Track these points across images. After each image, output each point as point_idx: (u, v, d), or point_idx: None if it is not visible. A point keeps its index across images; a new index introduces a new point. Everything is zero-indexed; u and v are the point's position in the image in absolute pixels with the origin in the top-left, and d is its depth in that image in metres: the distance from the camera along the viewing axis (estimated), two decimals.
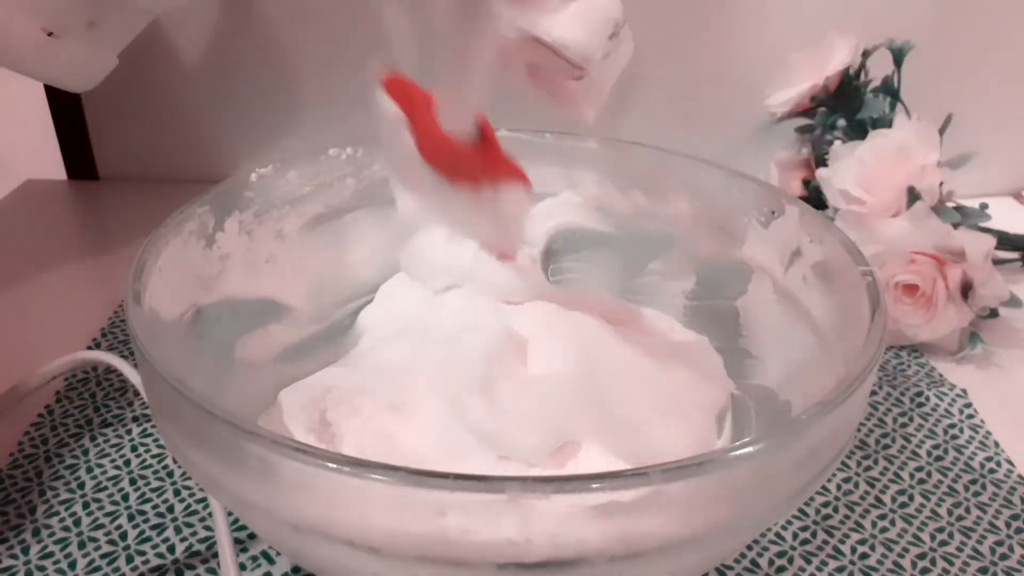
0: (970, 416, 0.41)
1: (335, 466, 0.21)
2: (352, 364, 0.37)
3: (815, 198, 0.49)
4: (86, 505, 0.34)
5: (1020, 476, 0.37)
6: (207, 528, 0.33)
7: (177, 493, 0.34)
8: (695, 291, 0.41)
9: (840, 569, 0.32)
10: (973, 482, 0.37)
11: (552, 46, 0.30)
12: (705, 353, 0.38)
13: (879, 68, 0.49)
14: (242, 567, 0.31)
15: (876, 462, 0.38)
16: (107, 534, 0.32)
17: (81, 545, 0.32)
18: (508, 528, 0.21)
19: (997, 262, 0.47)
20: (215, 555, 0.32)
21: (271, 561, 0.31)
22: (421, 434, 0.31)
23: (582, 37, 0.29)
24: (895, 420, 0.40)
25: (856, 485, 0.36)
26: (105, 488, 0.35)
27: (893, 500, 0.36)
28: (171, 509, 0.34)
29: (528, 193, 0.33)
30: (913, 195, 0.44)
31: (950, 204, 0.47)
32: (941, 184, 0.46)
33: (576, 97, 0.33)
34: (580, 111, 0.33)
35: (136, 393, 0.40)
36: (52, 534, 0.32)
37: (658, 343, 0.38)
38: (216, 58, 0.59)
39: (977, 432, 0.40)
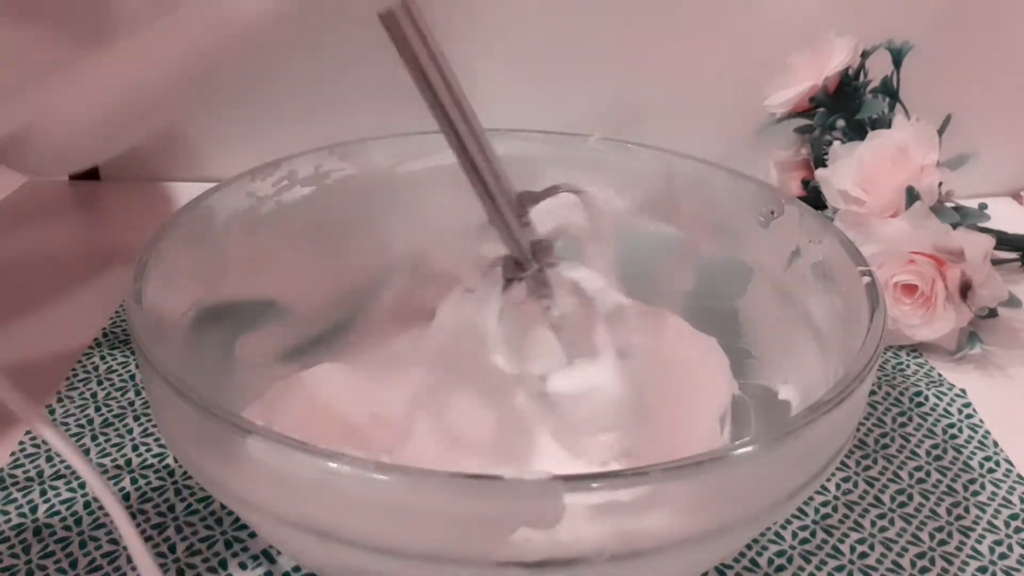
0: (969, 416, 0.41)
1: (335, 466, 0.21)
2: (348, 362, 0.37)
3: (814, 198, 0.49)
4: (87, 504, 0.34)
5: (1019, 476, 0.37)
6: (208, 527, 0.33)
7: (178, 492, 0.34)
8: (695, 291, 0.41)
9: (839, 568, 0.32)
10: (972, 481, 0.37)
11: None
12: (714, 353, 0.38)
13: (878, 68, 0.49)
14: (242, 567, 0.31)
15: (875, 462, 0.38)
16: (108, 533, 0.32)
17: (82, 544, 0.32)
18: (507, 527, 0.22)
19: (996, 262, 0.47)
20: (216, 554, 0.32)
21: (271, 561, 0.31)
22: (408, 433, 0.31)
23: None
24: (894, 420, 0.40)
25: (855, 485, 0.36)
26: None
27: (892, 500, 0.36)
28: (172, 508, 0.34)
29: None
30: (912, 195, 0.44)
31: (949, 204, 0.47)
32: (940, 184, 0.46)
33: None
34: None
35: (136, 392, 0.40)
36: (53, 533, 0.32)
37: (669, 342, 0.38)
38: None
39: (976, 432, 0.40)
